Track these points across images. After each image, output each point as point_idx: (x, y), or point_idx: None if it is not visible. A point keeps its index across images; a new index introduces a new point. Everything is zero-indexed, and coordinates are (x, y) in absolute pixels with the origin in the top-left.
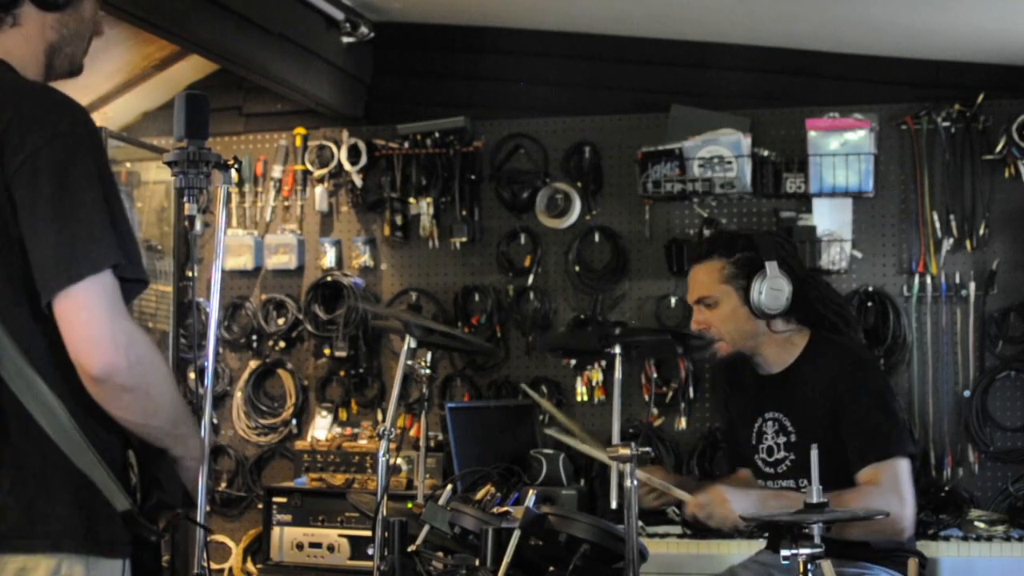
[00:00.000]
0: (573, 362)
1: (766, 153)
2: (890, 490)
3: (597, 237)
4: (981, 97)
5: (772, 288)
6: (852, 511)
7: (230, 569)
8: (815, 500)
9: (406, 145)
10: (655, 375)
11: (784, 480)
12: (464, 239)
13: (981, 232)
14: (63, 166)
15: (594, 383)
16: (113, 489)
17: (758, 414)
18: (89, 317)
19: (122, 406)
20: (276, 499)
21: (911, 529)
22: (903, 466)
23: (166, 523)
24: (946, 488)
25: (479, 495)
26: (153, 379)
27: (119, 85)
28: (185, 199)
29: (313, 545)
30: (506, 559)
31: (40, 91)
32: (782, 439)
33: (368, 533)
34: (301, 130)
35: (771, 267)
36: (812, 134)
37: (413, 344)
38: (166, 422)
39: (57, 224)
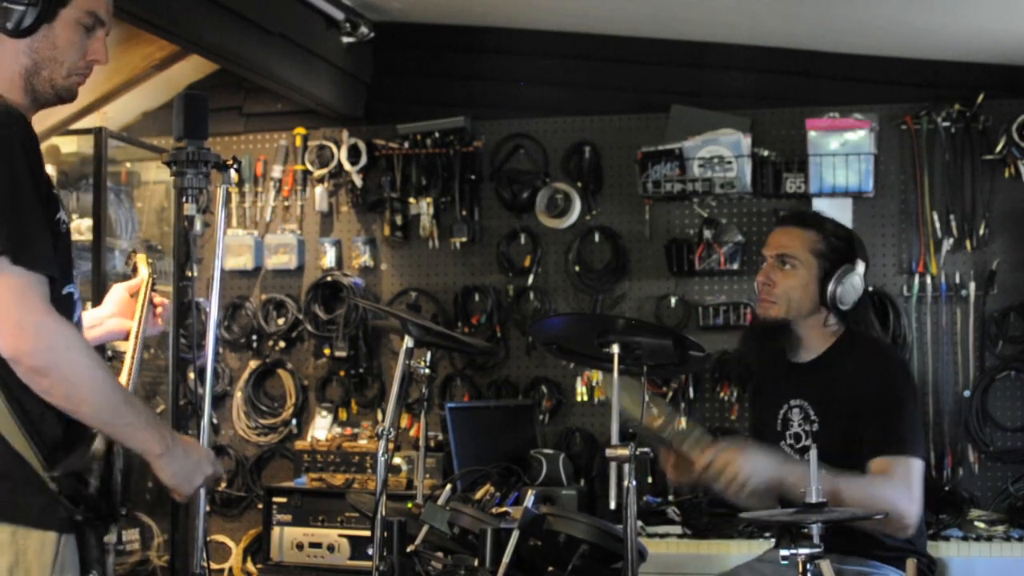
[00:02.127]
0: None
1: (766, 153)
2: (902, 483)
3: (597, 237)
4: (981, 97)
5: (852, 284)
6: (851, 511)
7: (230, 569)
8: (814, 500)
9: (406, 145)
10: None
11: None
12: (464, 239)
13: (981, 232)
14: None
15: (594, 383)
16: (38, 467)
17: (784, 400)
18: None
19: (43, 390)
20: (276, 499)
21: (915, 528)
22: (916, 465)
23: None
24: (946, 488)
25: (478, 495)
26: (69, 366)
27: (119, 85)
28: (185, 199)
29: (313, 545)
30: (505, 559)
31: None
32: (808, 427)
33: (368, 533)
34: (301, 130)
35: (860, 266)
36: (812, 134)
37: (411, 343)
38: (99, 410)
39: None
